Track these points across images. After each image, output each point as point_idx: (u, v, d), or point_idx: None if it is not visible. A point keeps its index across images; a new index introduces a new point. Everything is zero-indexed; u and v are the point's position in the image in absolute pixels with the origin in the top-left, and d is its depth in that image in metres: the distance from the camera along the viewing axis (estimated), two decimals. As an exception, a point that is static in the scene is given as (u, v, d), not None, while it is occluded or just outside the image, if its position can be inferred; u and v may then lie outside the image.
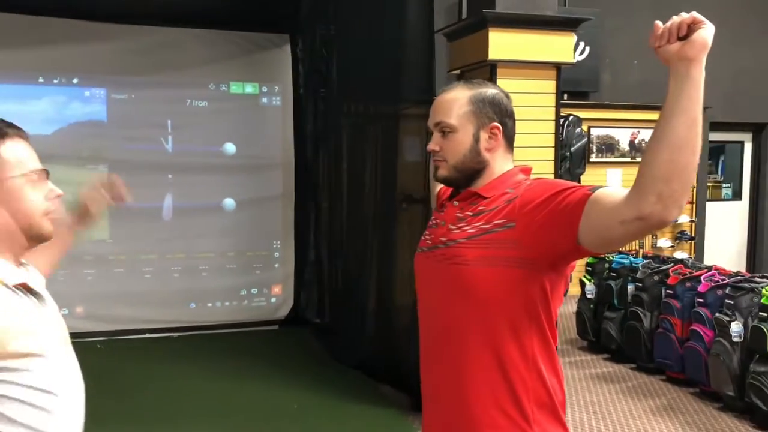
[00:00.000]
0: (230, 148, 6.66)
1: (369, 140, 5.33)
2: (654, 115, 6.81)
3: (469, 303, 1.62)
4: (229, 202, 6.69)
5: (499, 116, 1.70)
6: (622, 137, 8.12)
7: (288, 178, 6.82)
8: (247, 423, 4.39)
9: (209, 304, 6.60)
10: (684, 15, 1.32)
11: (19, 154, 1.43)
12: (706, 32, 1.31)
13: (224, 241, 6.65)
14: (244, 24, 6.50)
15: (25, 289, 1.41)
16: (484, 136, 1.68)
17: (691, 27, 1.31)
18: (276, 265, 6.89)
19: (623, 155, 8.12)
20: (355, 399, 4.71)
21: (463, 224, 1.66)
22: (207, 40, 6.46)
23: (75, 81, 6.28)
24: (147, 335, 6.25)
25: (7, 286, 1.37)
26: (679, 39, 1.32)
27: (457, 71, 4.45)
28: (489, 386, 1.62)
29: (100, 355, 5.74)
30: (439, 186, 1.93)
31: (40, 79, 6.19)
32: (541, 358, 1.63)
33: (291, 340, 6.29)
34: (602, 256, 5.74)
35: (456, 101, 1.69)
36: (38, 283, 1.49)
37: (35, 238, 1.45)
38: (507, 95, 1.76)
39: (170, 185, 6.49)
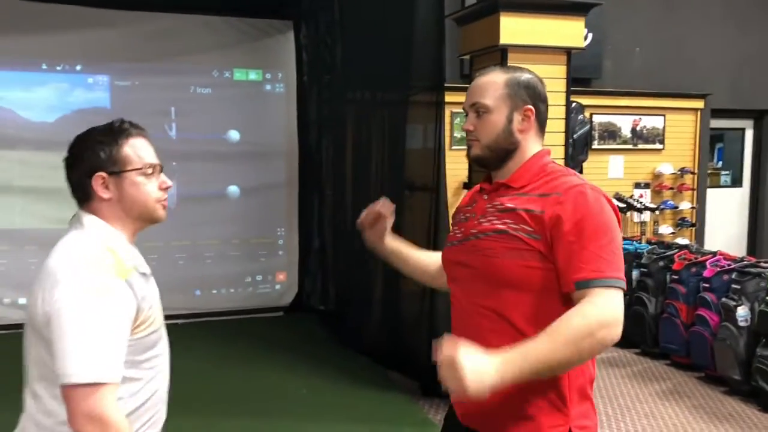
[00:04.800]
0: (234, 135, 6.65)
1: (375, 127, 5.31)
2: (655, 102, 6.65)
3: (504, 290, 1.65)
4: (233, 190, 6.68)
5: (533, 100, 1.75)
6: (624, 124, 8.10)
7: (292, 166, 6.81)
8: (260, 407, 4.39)
9: (214, 291, 6.61)
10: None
11: (139, 150, 1.66)
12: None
13: (229, 229, 6.65)
14: (248, 10, 6.47)
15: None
16: (517, 117, 1.73)
17: None
18: (280, 252, 6.89)
19: (625, 142, 8.10)
20: (365, 384, 4.73)
21: (492, 218, 1.70)
22: (211, 27, 6.43)
23: (78, 68, 6.25)
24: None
25: (140, 273, 1.64)
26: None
27: (467, 56, 4.44)
28: None
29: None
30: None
31: (44, 66, 6.16)
32: None
33: (296, 327, 6.32)
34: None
35: (492, 84, 1.74)
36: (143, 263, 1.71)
37: (148, 221, 1.71)
38: (541, 81, 1.80)
39: (174, 172, 6.43)
